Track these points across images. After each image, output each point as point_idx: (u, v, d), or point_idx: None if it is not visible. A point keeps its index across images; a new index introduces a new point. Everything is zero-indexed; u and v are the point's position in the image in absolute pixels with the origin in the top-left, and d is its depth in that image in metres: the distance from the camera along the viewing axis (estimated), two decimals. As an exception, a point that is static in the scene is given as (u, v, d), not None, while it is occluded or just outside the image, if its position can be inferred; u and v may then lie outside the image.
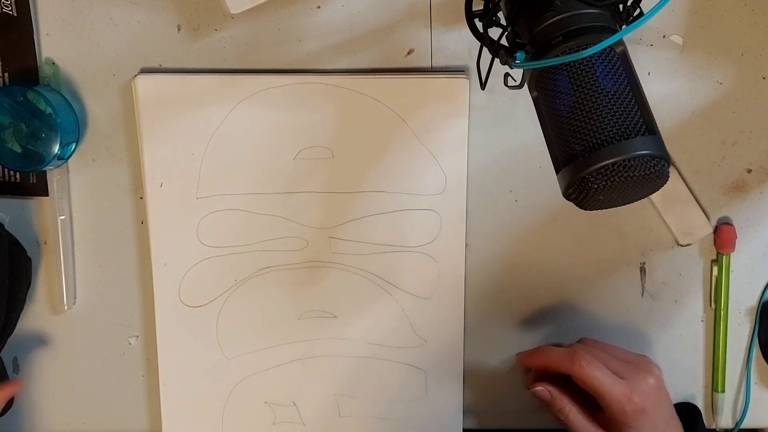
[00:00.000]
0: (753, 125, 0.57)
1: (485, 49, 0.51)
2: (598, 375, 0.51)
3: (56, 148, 0.54)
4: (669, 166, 0.41)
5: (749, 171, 0.58)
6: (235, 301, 0.59)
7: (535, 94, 0.45)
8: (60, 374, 0.61)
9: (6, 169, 0.57)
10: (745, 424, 0.62)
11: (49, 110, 0.53)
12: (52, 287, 0.59)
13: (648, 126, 0.40)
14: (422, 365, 0.60)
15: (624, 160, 0.39)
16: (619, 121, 0.40)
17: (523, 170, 0.58)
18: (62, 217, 0.57)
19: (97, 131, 0.57)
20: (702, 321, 0.61)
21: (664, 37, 0.56)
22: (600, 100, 0.40)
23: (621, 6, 0.44)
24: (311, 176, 0.57)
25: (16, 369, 0.61)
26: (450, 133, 0.56)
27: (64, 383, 0.61)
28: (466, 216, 0.58)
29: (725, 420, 0.62)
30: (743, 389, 0.61)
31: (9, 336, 0.58)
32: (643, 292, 0.60)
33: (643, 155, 0.39)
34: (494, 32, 0.48)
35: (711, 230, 0.59)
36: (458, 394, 0.60)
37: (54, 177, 0.57)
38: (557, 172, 0.43)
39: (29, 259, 0.58)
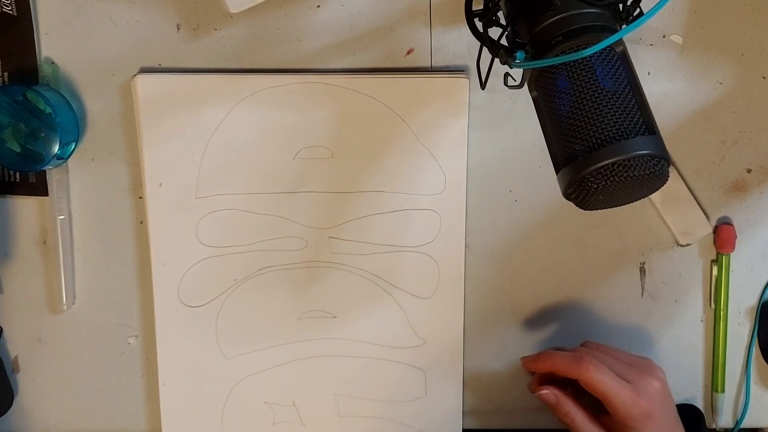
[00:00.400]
0: (753, 125, 0.57)
1: (485, 49, 0.51)
2: (605, 379, 0.51)
3: (56, 148, 0.54)
4: (669, 166, 0.41)
5: (749, 171, 0.58)
6: (235, 301, 0.59)
7: (535, 93, 0.45)
8: (59, 374, 0.61)
9: (5, 169, 0.57)
10: (745, 424, 0.62)
11: (48, 110, 0.53)
12: (52, 287, 0.59)
13: (648, 126, 0.40)
14: (422, 365, 0.60)
15: (624, 160, 0.39)
16: (619, 120, 0.40)
17: (523, 170, 0.58)
18: (61, 217, 0.57)
19: (96, 131, 0.57)
20: (702, 321, 0.61)
21: (664, 37, 0.56)
22: (600, 100, 0.40)
23: (621, 6, 0.44)
24: (311, 176, 0.57)
25: (16, 369, 0.61)
26: (450, 132, 0.56)
27: (64, 383, 0.61)
28: (466, 216, 0.58)
29: (725, 420, 0.62)
30: (743, 389, 0.61)
31: None
32: (643, 292, 0.60)
33: (643, 155, 0.39)
34: (494, 32, 0.47)
35: (711, 230, 0.59)
36: (458, 394, 0.60)
37: (53, 177, 0.57)
38: (557, 172, 0.43)
39: None
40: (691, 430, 0.55)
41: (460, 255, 0.58)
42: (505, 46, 0.46)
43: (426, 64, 0.56)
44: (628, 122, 0.40)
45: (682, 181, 0.58)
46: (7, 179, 0.57)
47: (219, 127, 0.56)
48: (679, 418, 0.54)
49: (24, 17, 0.54)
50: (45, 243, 0.59)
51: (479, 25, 0.49)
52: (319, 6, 0.55)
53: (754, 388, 0.61)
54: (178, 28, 0.55)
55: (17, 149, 0.54)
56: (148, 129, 0.56)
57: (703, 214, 0.58)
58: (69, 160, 0.57)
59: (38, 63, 0.55)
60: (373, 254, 0.58)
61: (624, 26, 0.44)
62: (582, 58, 0.41)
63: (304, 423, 0.61)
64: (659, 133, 0.41)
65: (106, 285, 0.59)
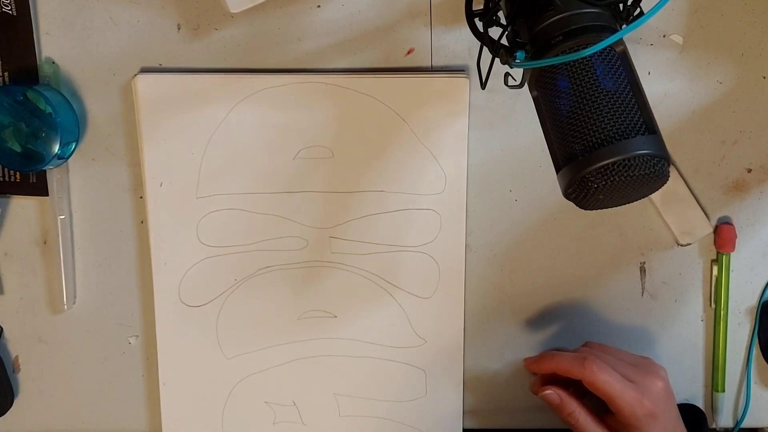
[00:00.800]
0: (753, 125, 0.57)
1: (485, 49, 0.51)
2: (609, 380, 0.51)
3: (56, 148, 0.54)
4: (669, 165, 0.41)
5: (749, 171, 0.58)
6: (235, 301, 0.59)
7: (535, 93, 0.45)
8: (60, 374, 0.61)
9: (6, 169, 0.57)
10: (745, 424, 0.62)
11: (48, 109, 0.53)
12: (52, 287, 0.59)
13: (648, 125, 0.40)
14: (422, 365, 0.60)
15: (624, 160, 0.39)
16: (619, 120, 0.40)
17: (523, 170, 0.58)
18: (62, 217, 0.57)
19: (97, 131, 0.57)
20: (702, 321, 0.61)
21: (664, 36, 0.56)
22: (600, 100, 0.40)
23: (621, 5, 0.44)
24: (311, 176, 0.57)
25: (17, 368, 0.61)
26: (450, 132, 0.56)
27: (64, 383, 0.61)
28: (466, 216, 0.58)
29: (725, 420, 0.62)
30: (743, 389, 0.61)
31: None
32: (643, 292, 0.60)
33: (643, 155, 0.39)
34: (494, 32, 0.48)
35: (711, 230, 0.59)
36: (458, 394, 0.60)
37: (54, 176, 0.57)
38: (557, 172, 0.43)
39: None
40: (694, 430, 0.55)
41: (461, 255, 0.58)
42: (506, 45, 0.46)
43: (426, 64, 0.56)
44: (628, 122, 0.40)
45: (682, 181, 0.58)
46: (7, 179, 0.57)
47: (219, 126, 0.56)
48: (680, 417, 0.54)
49: (24, 17, 0.54)
50: (45, 243, 0.59)
51: (479, 24, 0.49)
52: (319, 6, 0.55)
53: (755, 388, 0.61)
54: (179, 28, 0.55)
55: (18, 149, 0.54)
56: (149, 129, 0.56)
57: (703, 214, 0.58)
58: (69, 159, 0.57)
59: (39, 63, 0.55)
60: (373, 254, 0.58)
61: (624, 26, 0.45)
62: (582, 58, 0.41)
63: (304, 423, 0.61)
64: (659, 133, 0.41)
65: (106, 285, 0.59)
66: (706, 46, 0.56)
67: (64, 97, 0.55)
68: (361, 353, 0.60)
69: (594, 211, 0.43)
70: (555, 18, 0.43)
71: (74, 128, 0.56)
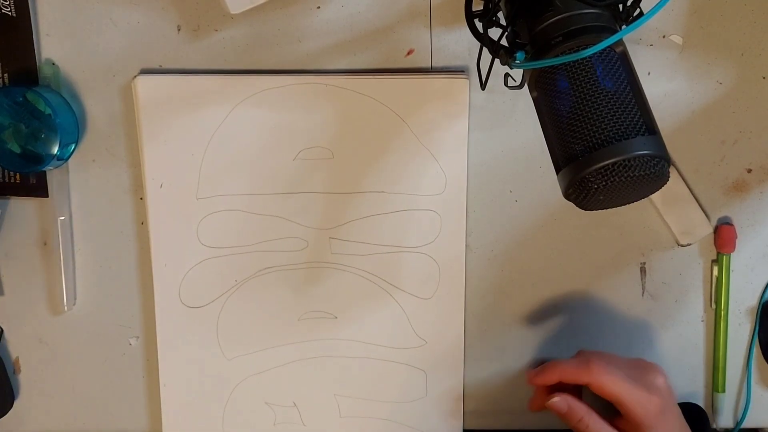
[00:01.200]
0: (753, 125, 0.57)
1: (485, 49, 0.51)
2: (616, 380, 0.51)
3: (56, 149, 0.54)
4: (669, 166, 0.41)
5: (749, 171, 0.58)
6: (236, 302, 0.59)
7: (535, 94, 0.45)
8: (60, 374, 0.61)
9: (5, 170, 0.57)
10: (745, 424, 0.62)
11: (48, 111, 0.53)
12: (52, 288, 0.59)
13: (648, 126, 0.40)
14: (423, 366, 0.60)
15: (624, 160, 0.39)
16: (619, 121, 0.40)
17: (523, 170, 0.58)
18: (62, 218, 0.57)
19: (96, 132, 0.57)
20: (702, 321, 0.61)
21: (664, 37, 0.56)
22: (600, 100, 0.40)
23: (621, 6, 0.44)
24: (311, 177, 0.57)
25: (17, 370, 0.61)
26: (450, 133, 0.56)
27: (64, 383, 0.61)
28: (466, 216, 0.58)
29: (725, 420, 0.62)
30: (744, 389, 0.61)
31: None
32: (643, 292, 0.60)
33: (643, 155, 0.39)
34: (494, 32, 0.48)
35: (711, 230, 0.59)
36: (459, 394, 0.60)
37: (54, 177, 0.57)
38: (557, 173, 0.43)
39: None
40: (697, 430, 0.55)
41: (461, 255, 0.58)
42: (505, 46, 0.46)
43: (426, 64, 0.56)
44: (628, 122, 0.40)
45: (682, 181, 0.58)
46: (7, 180, 0.57)
47: (219, 127, 0.56)
48: (682, 414, 0.54)
49: (23, 18, 0.54)
50: (45, 244, 0.59)
51: (479, 25, 0.49)
52: (319, 7, 0.55)
53: (755, 388, 0.61)
54: (179, 29, 0.55)
55: (17, 150, 0.54)
56: (149, 130, 0.56)
57: (703, 214, 0.58)
58: (69, 161, 0.57)
59: (38, 64, 0.55)
60: (373, 255, 0.58)
61: (624, 26, 0.45)
62: (582, 59, 0.41)
63: (305, 423, 0.61)
64: (659, 133, 0.41)
65: (107, 286, 0.59)
66: (705, 47, 0.56)
67: (64, 98, 0.55)
68: (362, 354, 0.60)
69: (594, 211, 0.43)
70: (555, 19, 0.43)
71: (74, 129, 0.56)
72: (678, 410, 0.54)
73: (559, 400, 0.54)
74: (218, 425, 0.61)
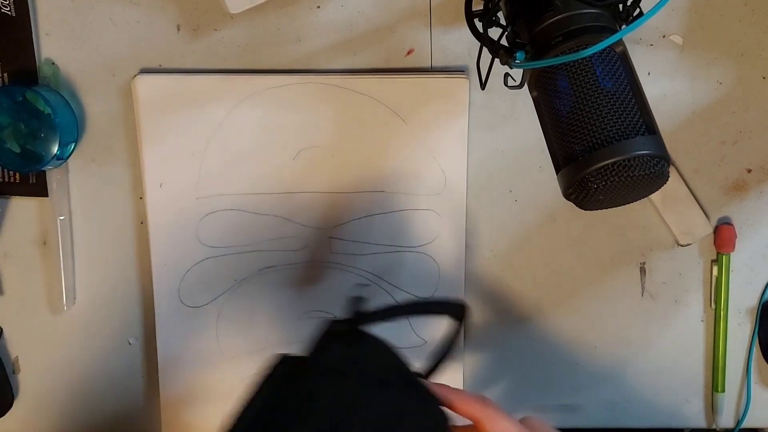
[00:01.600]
0: (753, 125, 0.57)
1: (485, 49, 0.51)
2: None
3: (55, 148, 0.54)
4: (669, 166, 0.41)
5: (749, 171, 0.58)
6: (235, 302, 0.59)
7: (535, 94, 0.45)
8: (60, 374, 0.61)
9: (5, 170, 0.57)
10: (745, 424, 0.62)
11: (48, 110, 0.53)
12: (52, 287, 0.59)
13: (648, 126, 0.40)
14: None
15: (624, 160, 0.39)
16: (619, 121, 0.40)
17: (523, 170, 0.58)
18: (62, 218, 0.57)
19: (96, 131, 0.57)
20: (702, 321, 0.61)
21: (664, 37, 0.56)
22: (600, 100, 0.40)
23: (621, 6, 0.44)
24: (311, 176, 0.57)
25: (17, 369, 0.61)
26: (450, 133, 0.56)
27: (64, 384, 0.61)
28: (466, 216, 0.58)
29: (725, 420, 0.62)
30: (744, 389, 0.61)
31: None
32: (643, 292, 0.60)
33: (643, 155, 0.39)
34: (494, 32, 0.47)
35: (711, 230, 0.59)
36: (458, 394, 0.60)
37: (53, 177, 0.57)
38: (557, 173, 0.43)
39: None
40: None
41: (461, 255, 0.58)
42: (505, 46, 0.46)
43: (426, 64, 0.56)
44: (628, 122, 0.40)
45: (682, 181, 0.58)
46: (6, 180, 0.57)
47: (219, 127, 0.56)
48: None
49: (23, 18, 0.54)
50: (45, 243, 0.59)
51: (479, 25, 0.49)
52: (319, 6, 0.55)
53: (755, 388, 0.61)
54: (179, 29, 0.55)
55: (17, 150, 0.54)
56: (149, 129, 0.56)
57: (703, 214, 0.58)
58: (69, 160, 0.57)
59: (38, 64, 0.55)
60: (373, 254, 0.58)
61: (624, 26, 0.44)
62: (582, 59, 0.41)
63: (304, 423, 0.61)
64: (659, 133, 0.41)
65: (106, 285, 0.59)
66: (706, 47, 0.56)
67: (64, 97, 0.55)
68: (361, 354, 0.60)
69: (594, 211, 0.43)
70: (555, 18, 0.43)
71: (73, 129, 0.56)
72: None
73: None
74: (218, 425, 0.60)
